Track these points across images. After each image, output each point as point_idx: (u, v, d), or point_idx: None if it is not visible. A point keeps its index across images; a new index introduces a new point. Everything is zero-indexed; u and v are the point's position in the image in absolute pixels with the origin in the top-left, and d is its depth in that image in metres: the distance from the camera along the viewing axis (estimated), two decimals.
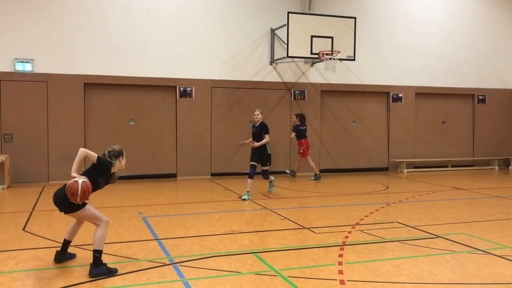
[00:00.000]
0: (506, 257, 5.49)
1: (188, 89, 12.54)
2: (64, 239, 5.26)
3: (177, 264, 5.15)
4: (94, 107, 12.00)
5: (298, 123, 12.42)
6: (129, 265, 5.12)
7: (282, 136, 13.30)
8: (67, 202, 4.86)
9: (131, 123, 12.30)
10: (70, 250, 5.36)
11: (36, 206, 8.63)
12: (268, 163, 9.63)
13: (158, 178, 12.33)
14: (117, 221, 7.30)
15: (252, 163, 9.48)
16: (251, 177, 9.38)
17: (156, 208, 8.49)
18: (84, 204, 4.96)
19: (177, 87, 12.46)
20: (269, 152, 9.57)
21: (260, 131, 9.55)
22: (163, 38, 12.26)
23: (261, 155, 9.50)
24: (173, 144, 12.56)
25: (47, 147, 11.50)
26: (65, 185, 4.89)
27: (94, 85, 11.88)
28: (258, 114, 9.66)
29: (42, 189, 10.46)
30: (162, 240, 6.15)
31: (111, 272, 4.76)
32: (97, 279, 4.65)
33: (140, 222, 7.28)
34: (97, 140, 11.89)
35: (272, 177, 10.04)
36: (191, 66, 12.51)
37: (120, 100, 12.20)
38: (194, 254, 5.53)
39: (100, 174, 5.06)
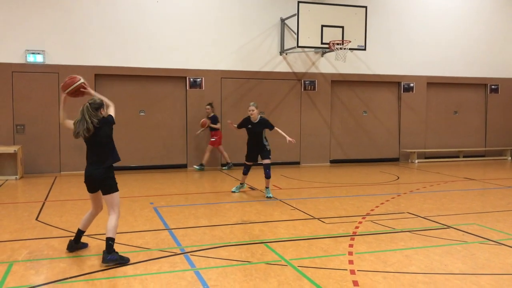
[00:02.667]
0: None
1: (198, 79, 12.55)
2: (78, 229, 5.32)
3: (188, 254, 5.19)
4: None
5: (212, 113, 12.11)
6: (140, 254, 5.17)
7: (293, 127, 13.26)
8: (109, 182, 5.02)
9: (141, 114, 12.35)
10: (83, 240, 5.41)
11: (49, 196, 8.73)
12: (270, 156, 8.59)
13: (168, 168, 12.39)
14: (128, 211, 7.37)
15: (249, 163, 8.75)
16: (245, 173, 8.86)
17: (167, 198, 8.54)
18: (118, 189, 5.12)
19: (187, 78, 12.47)
20: (269, 149, 8.61)
21: (262, 129, 8.51)
22: (173, 29, 12.25)
23: (261, 152, 8.60)
24: (183, 135, 12.60)
25: (58, 138, 11.59)
26: (99, 165, 5.08)
27: (105, 76, 11.93)
28: (253, 110, 8.36)
29: (54, 180, 10.57)
30: (173, 230, 6.20)
31: (123, 260, 4.82)
32: (109, 268, 4.70)
33: (151, 212, 7.33)
34: None
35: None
36: (201, 57, 12.50)
37: (131, 91, 12.25)
38: (204, 244, 5.57)
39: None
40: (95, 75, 11.78)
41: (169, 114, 12.53)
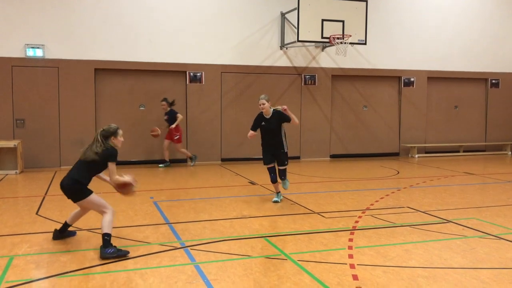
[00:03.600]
0: None
1: (198, 74, 12.52)
2: (65, 221, 5.48)
3: (188, 248, 5.20)
4: (105, 93, 12.04)
5: (169, 108, 11.70)
6: (140, 248, 5.17)
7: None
8: (73, 190, 5.12)
9: (141, 108, 12.34)
10: (84, 233, 5.42)
11: (49, 191, 8.74)
12: (286, 162, 7.52)
13: (172, 163, 12.38)
14: (128, 205, 7.37)
15: (270, 166, 7.51)
16: (274, 181, 7.59)
17: (167, 192, 8.55)
18: (90, 192, 5.15)
19: (187, 72, 12.45)
20: (286, 151, 7.49)
21: (278, 123, 7.35)
22: (173, 23, 12.21)
23: (277, 155, 7.46)
24: (183, 130, 12.57)
25: (58, 132, 11.59)
26: (70, 172, 5.25)
27: (104, 71, 11.91)
28: (264, 103, 7.25)
29: (54, 174, 10.57)
30: (173, 224, 6.21)
31: (121, 252, 4.85)
32: (109, 262, 4.71)
33: (151, 206, 7.34)
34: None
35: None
36: (201, 51, 12.47)
37: (131, 85, 12.23)
38: (205, 238, 5.58)
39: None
40: (95, 69, 11.76)
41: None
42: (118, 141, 5.30)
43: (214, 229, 5.99)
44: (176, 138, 11.75)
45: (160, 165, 11.97)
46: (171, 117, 11.66)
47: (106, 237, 4.88)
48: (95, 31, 11.67)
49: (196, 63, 12.46)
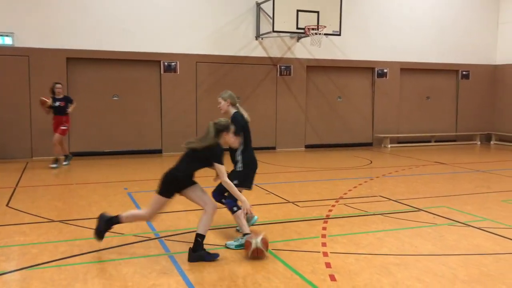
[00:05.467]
0: (485, 228, 5.63)
1: (173, 64, 12.40)
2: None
3: (163, 238, 5.19)
4: (77, 82, 11.81)
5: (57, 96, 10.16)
6: (114, 239, 5.14)
7: (269, 112, 13.31)
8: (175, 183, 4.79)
9: (115, 98, 12.16)
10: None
11: (20, 182, 8.56)
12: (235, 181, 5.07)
13: (143, 154, 12.27)
14: (102, 196, 7.31)
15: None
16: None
17: (141, 183, 8.48)
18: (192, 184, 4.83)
19: (162, 62, 12.31)
20: (239, 169, 5.29)
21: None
22: (147, 12, 12.03)
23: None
24: (158, 120, 12.48)
25: (29, 122, 11.33)
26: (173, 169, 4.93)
27: (76, 60, 11.67)
28: (220, 102, 5.51)
29: (26, 165, 10.35)
30: None
31: (211, 256, 4.48)
32: (81, 254, 4.67)
33: (125, 197, 7.28)
34: (80, 116, 11.77)
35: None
36: (176, 41, 12.34)
37: (104, 75, 12.03)
38: (179, 229, 5.57)
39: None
40: (67, 58, 11.51)
41: (143, 98, 12.37)
42: (229, 138, 4.77)
43: (189, 220, 5.99)
44: (64, 128, 10.21)
45: (64, 163, 10.35)
46: (68, 102, 10.24)
47: (198, 239, 4.51)
48: (67, 19, 11.40)
49: (170, 52, 12.33)
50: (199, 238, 4.52)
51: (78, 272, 4.22)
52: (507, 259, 4.63)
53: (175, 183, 4.80)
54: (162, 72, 12.35)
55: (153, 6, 12.07)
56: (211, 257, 4.50)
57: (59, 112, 10.22)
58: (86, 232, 5.42)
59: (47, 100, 10.07)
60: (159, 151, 12.50)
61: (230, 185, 4.68)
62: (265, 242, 4.51)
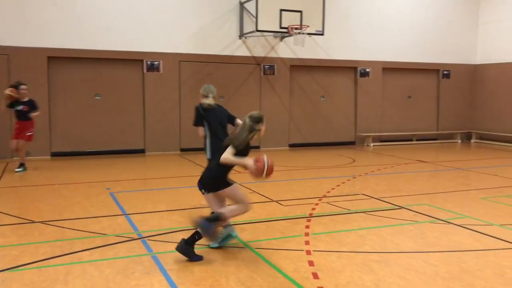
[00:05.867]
0: (465, 226, 5.72)
1: (156, 63, 12.33)
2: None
3: (145, 239, 5.16)
4: (59, 82, 11.67)
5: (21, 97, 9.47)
6: (96, 240, 5.10)
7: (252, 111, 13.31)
8: (218, 180, 4.74)
9: (97, 97, 12.04)
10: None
11: (0, 182, 8.42)
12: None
13: (126, 153, 12.17)
14: (84, 196, 7.23)
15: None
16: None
17: (124, 183, 8.42)
18: (233, 182, 4.80)
19: (145, 61, 12.23)
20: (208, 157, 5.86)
21: (195, 122, 6.23)
22: (130, 11, 11.93)
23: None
24: (141, 119, 12.39)
25: (10, 122, 11.14)
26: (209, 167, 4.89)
27: (58, 59, 11.52)
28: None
29: (6, 166, 10.19)
30: (130, 215, 6.13)
31: (197, 257, 4.47)
32: (63, 255, 4.61)
33: (107, 197, 7.22)
34: (62, 116, 11.64)
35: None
36: (159, 40, 12.27)
37: (86, 74, 11.90)
38: (162, 229, 5.55)
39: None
40: (48, 57, 11.36)
41: (126, 98, 12.27)
42: (262, 130, 4.93)
43: (172, 220, 5.96)
44: (30, 134, 9.60)
45: (17, 169, 9.50)
46: (32, 107, 9.51)
47: (218, 215, 4.58)
48: (48, 18, 11.25)
49: (153, 51, 12.25)
50: (214, 219, 4.52)
51: (59, 273, 4.18)
52: (486, 256, 4.71)
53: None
54: (145, 71, 12.27)
55: (136, 5, 11.98)
56: (197, 258, 4.48)
57: (23, 117, 9.43)
58: (68, 232, 5.37)
59: (15, 95, 9.28)
60: (142, 151, 12.41)
61: (231, 160, 4.69)
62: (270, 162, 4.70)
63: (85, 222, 5.83)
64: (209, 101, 5.94)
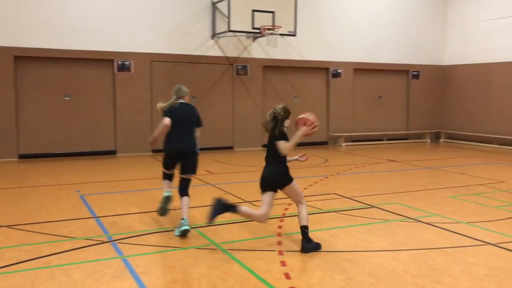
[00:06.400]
0: (434, 224, 5.84)
1: (127, 62, 12.16)
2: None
3: (116, 242, 5.08)
4: (26, 82, 11.37)
5: None
6: (65, 244, 4.99)
7: (226, 112, 13.29)
8: (284, 177, 4.97)
9: (66, 98, 11.79)
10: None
11: None
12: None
13: (96, 155, 11.97)
14: (53, 199, 7.08)
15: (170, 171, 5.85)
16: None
17: (95, 185, 8.27)
18: (292, 179, 4.99)
19: (115, 61, 12.05)
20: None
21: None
22: (100, 9, 11.73)
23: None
24: (111, 120, 12.20)
25: None
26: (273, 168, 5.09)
27: (25, 58, 11.23)
28: None
29: None
30: (100, 218, 6.03)
31: (319, 247, 4.84)
32: (30, 260, 4.50)
33: (77, 200, 7.08)
34: (30, 117, 11.36)
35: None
36: (129, 39, 12.11)
37: (55, 74, 11.64)
38: (133, 231, 5.47)
39: None
40: (15, 57, 11.07)
41: (96, 98, 12.06)
42: (287, 123, 5.08)
43: (143, 222, 5.89)
44: None
45: None
46: None
47: (306, 230, 4.82)
48: (15, 16, 10.95)
49: (124, 51, 12.08)
50: (306, 229, 4.83)
51: (26, 279, 4.07)
52: (454, 253, 4.82)
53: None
54: (115, 71, 12.08)
55: (106, 3, 11.79)
56: (320, 246, 4.85)
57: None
58: (35, 236, 5.24)
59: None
60: (113, 152, 12.22)
61: (293, 143, 4.88)
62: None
63: (54, 225, 5.70)
64: (163, 104, 5.82)
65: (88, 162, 11.09)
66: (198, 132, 5.76)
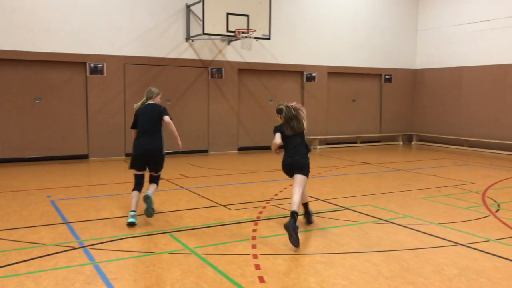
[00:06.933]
0: (406, 225, 5.93)
1: (99, 65, 11.98)
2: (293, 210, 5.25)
3: (87, 247, 4.98)
4: None
5: None
6: (34, 250, 4.87)
7: (201, 115, 13.23)
8: (307, 165, 5.67)
9: (37, 101, 11.54)
10: None
11: None
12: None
13: (68, 159, 11.74)
14: (22, 205, 6.90)
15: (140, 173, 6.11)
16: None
17: (66, 190, 8.10)
18: None
19: (87, 63, 11.86)
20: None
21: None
22: (72, 10, 11.53)
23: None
24: (83, 124, 11.99)
25: None
26: (297, 151, 5.80)
27: None
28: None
29: None
30: (71, 224, 5.91)
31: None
32: None
33: (48, 205, 6.92)
34: (0, 120, 11.09)
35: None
36: (102, 41, 11.93)
37: (25, 77, 11.37)
38: (106, 237, 5.38)
39: None
40: None
41: (68, 101, 11.84)
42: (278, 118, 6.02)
43: (116, 227, 5.79)
44: None
45: None
46: None
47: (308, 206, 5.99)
48: None
49: (97, 53, 11.90)
50: (308, 205, 6.02)
51: None
52: (425, 254, 4.90)
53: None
54: (88, 74, 11.89)
55: (78, 5, 11.60)
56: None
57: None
58: (3, 244, 5.10)
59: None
60: (85, 156, 12.01)
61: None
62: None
63: (23, 232, 5.55)
64: (136, 105, 6.38)
65: (60, 166, 10.85)
66: (169, 121, 5.98)
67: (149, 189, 6.00)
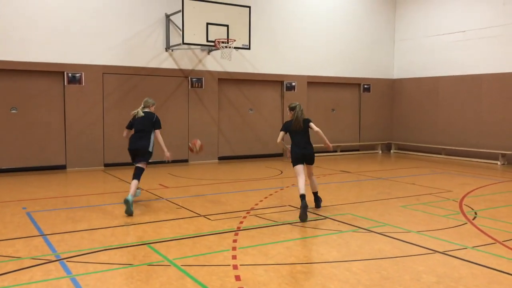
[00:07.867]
0: (386, 234, 5.98)
1: (77, 75, 11.85)
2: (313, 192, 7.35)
3: (64, 260, 4.88)
4: None
5: None
6: (9, 264, 4.75)
7: (181, 124, 13.17)
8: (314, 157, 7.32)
9: (13, 111, 11.33)
10: None
11: None
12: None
13: (45, 170, 11.54)
14: None
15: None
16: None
17: (43, 202, 7.94)
18: None
19: (65, 73, 11.71)
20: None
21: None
22: (49, 20, 11.40)
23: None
24: (61, 134, 11.81)
25: None
26: (303, 143, 7.46)
27: None
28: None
29: None
30: (48, 236, 5.79)
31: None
32: None
33: (23, 217, 6.77)
34: None
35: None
36: (80, 51, 11.81)
37: (0, 86, 11.17)
38: (83, 249, 5.28)
39: None
40: None
41: (45, 111, 11.65)
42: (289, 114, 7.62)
43: (93, 239, 5.69)
44: None
45: None
46: None
47: (318, 194, 7.46)
48: None
49: (74, 63, 11.77)
50: (318, 193, 7.46)
51: None
52: (405, 262, 4.94)
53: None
54: (65, 83, 11.74)
55: (56, 14, 11.47)
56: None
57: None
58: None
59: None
60: (63, 167, 11.82)
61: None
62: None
63: None
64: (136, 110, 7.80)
65: (36, 177, 10.65)
66: (158, 134, 7.58)
67: (131, 188, 7.14)
